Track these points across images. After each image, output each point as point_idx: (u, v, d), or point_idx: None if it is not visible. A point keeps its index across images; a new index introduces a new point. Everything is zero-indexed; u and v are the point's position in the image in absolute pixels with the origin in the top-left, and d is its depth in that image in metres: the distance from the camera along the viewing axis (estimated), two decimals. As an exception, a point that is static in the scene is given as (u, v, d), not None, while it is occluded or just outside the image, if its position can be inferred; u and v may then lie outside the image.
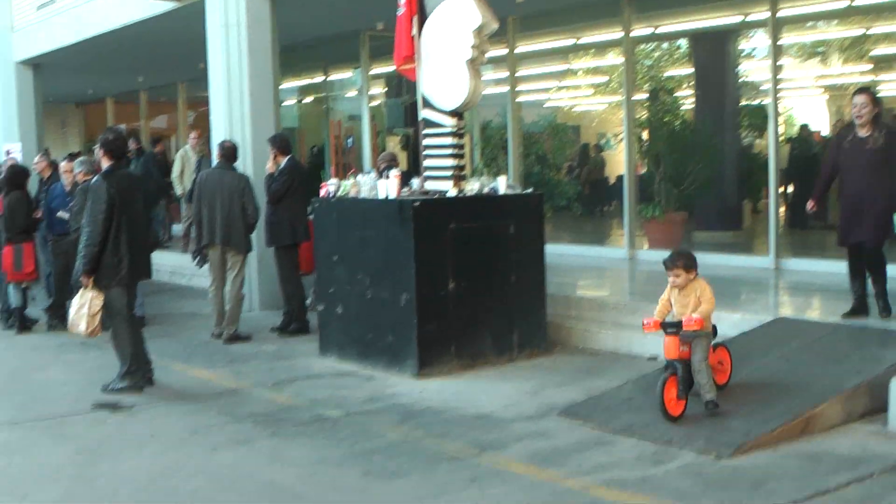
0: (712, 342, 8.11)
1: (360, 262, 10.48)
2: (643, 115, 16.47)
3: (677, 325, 7.82)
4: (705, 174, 15.64)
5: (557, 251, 12.60)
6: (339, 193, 10.99)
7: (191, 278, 16.78)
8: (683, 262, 8.07)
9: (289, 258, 12.52)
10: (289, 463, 7.45)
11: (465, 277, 10.09)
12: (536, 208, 10.95)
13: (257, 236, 12.83)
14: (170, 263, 17.58)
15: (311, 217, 11.84)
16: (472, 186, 10.58)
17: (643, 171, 16.75)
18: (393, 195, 10.30)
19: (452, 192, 10.38)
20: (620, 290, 13.58)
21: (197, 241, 12.64)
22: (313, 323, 11.97)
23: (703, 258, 12.61)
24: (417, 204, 9.91)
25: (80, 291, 9.70)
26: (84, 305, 9.65)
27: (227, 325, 12.31)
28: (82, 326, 9.67)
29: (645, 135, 16.40)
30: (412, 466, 7.21)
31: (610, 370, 9.84)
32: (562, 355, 10.63)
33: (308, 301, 12.62)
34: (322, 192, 11.26)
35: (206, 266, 12.63)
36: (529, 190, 11.75)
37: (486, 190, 10.60)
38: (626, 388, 8.79)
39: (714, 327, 8.15)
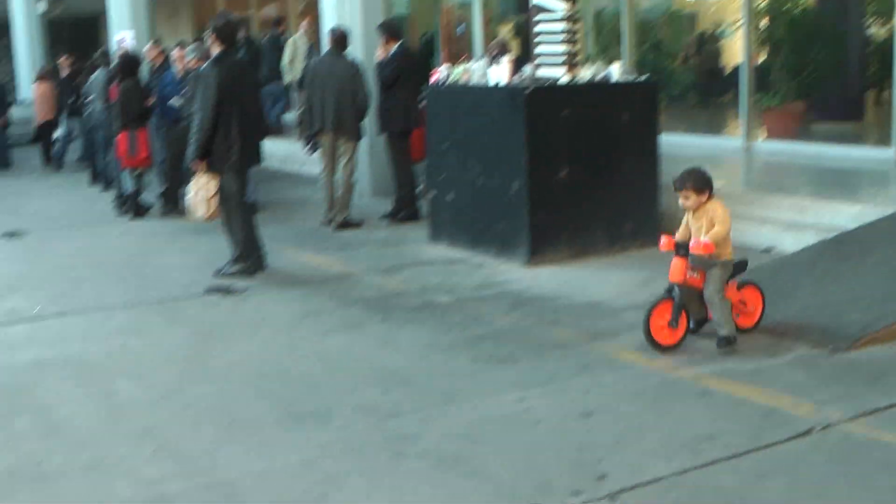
0: (738, 277, 7.35)
1: (471, 149, 10.40)
2: (762, 2, 15.99)
3: (687, 247, 7.10)
4: (826, 63, 15.18)
5: (672, 141, 12.32)
6: (449, 80, 10.89)
7: (302, 165, 16.85)
8: (693, 182, 7.24)
9: (400, 145, 12.48)
10: (399, 347, 7.50)
11: (577, 165, 9.97)
12: (651, 96, 10.72)
13: (369, 123, 12.79)
14: (281, 150, 17.67)
15: (422, 104, 11.77)
16: (585, 73, 10.40)
17: (761, 59, 16.31)
18: (504, 82, 10.17)
19: (565, 78, 10.21)
20: (735, 180, 13.29)
21: (308, 128, 12.66)
22: (424, 210, 11.97)
23: (823, 150, 12.33)
24: (529, 90, 9.78)
25: (195, 177, 9.80)
26: (199, 190, 9.75)
27: (338, 211, 12.36)
28: (200, 211, 9.78)
29: (763, 22, 15.94)
30: (522, 353, 7.21)
31: (723, 261, 9.67)
32: (674, 246, 10.48)
33: (419, 188, 12.60)
34: (433, 79, 11.17)
35: (318, 153, 12.67)
36: (644, 77, 11.51)
37: (599, 77, 10.42)
38: (740, 279, 8.65)
39: (743, 261, 7.35)
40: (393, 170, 12.71)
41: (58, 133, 20.85)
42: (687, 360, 6.92)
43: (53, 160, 20.94)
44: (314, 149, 12.71)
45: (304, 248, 11.23)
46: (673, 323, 7.05)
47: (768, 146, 14.27)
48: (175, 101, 13.39)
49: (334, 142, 12.30)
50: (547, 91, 9.98)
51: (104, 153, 15.76)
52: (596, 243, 10.17)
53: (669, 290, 7.14)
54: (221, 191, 9.74)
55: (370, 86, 12.38)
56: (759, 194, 10.75)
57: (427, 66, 13.42)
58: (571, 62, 10.30)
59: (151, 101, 13.88)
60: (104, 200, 15.24)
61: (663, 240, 7.32)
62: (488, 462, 5.35)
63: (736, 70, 16.09)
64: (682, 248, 7.11)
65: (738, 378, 6.50)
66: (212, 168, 9.65)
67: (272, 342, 7.80)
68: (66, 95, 19.82)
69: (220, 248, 10.36)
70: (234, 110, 9.61)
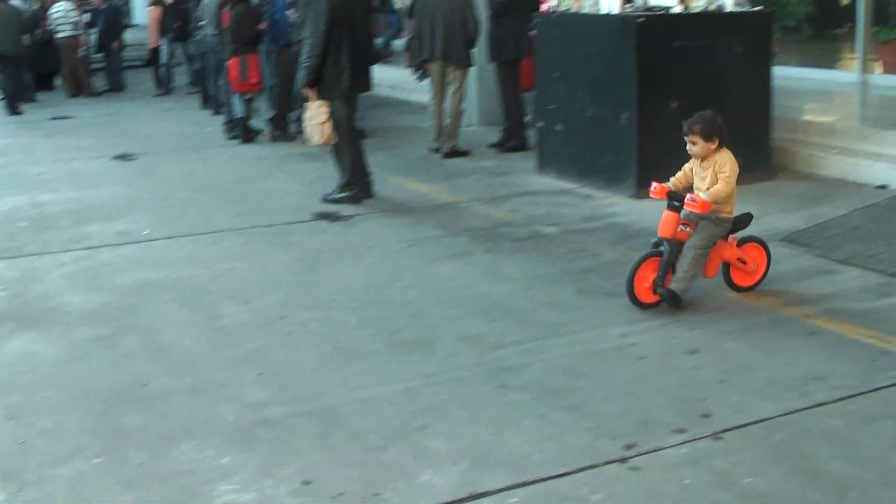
0: (737, 234, 6.83)
1: (580, 79, 10.27)
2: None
3: (682, 200, 6.49)
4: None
5: (785, 73, 12.04)
6: (560, 8, 10.74)
7: (410, 93, 16.83)
8: (702, 127, 6.62)
9: (510, 74, 12.38)
10: (504, 278, 7.47)
11: (688, 97, 9.75)
12: (764, 28, 10.45)
13: (478, 51, 12.69)
14: (391, 77, 17.65)
15: (532, 33, 11.64)
16: (697, 3, 10.16)
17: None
18: (615, 11, 9.99)
19: (677, 8, 10.01)
20: (850, 114, 12.98)
21: (417, 56, 12.60)
22: (531, 140, 11.88)
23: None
24: (641, 20, 9.61)
25: (307, 104, 9.82)
26: (313, 117, 9.78)
27: (446, 139, 12.33)
28: (316, 137, 9.81)
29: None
30: (627, 287, 7.13)
31: (835, 197, 9.45)
32: (785, 181, 10.27)
33: (527, 118, 12.50)
34: (544, 7, 11.03)
35: (427, 81, 12.62)
36: (758, 8, 11.23)
37: (712, 7, 10.18)
38: (852, 217, 8.47)
39: (745, 217, 6.83)
40: (502, 99, 12.63)
41: (163, 58, 21.13)
42: (796, 297, 6.79)
43: (162, 84, 21.20)
44: (423, 76, 12.66)
45: (411, 176, 11.23)
46: (659, 281, 6.56)
47: (884, 80, 13.88)
48: (290, 14, 13.36)
49: (443, 70, 12.24)
50: (659, 20, 9.81)
51: (215, 78, 15.90)
52: (706, 177, 10.00)
53: (657, 245, 6.65)
54: (330, 116, 9.75)
55: (480, 13, 12.26)
56: (873, 130, 10.48)
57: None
58: (685, -9, 10.11)
59: (263, 25, 13.92)
60: (214, 125, 15.40)
61: (654, 186, 6.67)
62: (590, 397, 5.32)
63: (853, 1, 15.64)
64: (675, 200, 6.54)
65: (849, 318, 6.36)
66: (322, 94, 9.66)
67: (377, 269, 7.82)
68: (172, 20, 20.03)
69: (328, 174, 10.41)
70: (345, 36, 9.59)
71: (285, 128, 13.89)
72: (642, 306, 6.59)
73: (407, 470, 4.60)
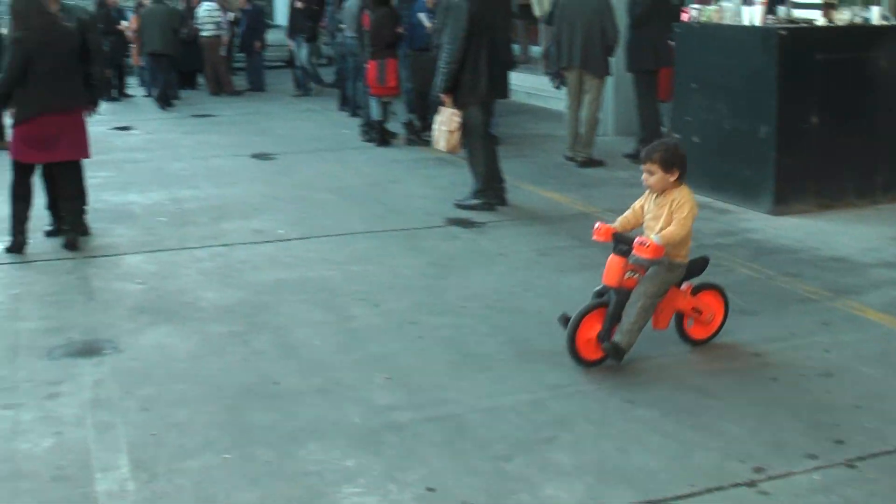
0: (692, 280, 6.15)
1: (719, 92, 10.12)
2: None
3: (630, 243, 5.77)
4: None
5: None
6: (701, 19, 10.61)
7: (547, 100, 16.79)
8: (662, 155, 5.86)
9: (648, 84, 12.28)
10: (634, 291, 7.39)
11: (829, 112, 9.61)
12: (914, 42, 10.22)
13: (616, 60, 12.61)
14: (527, 84, 17.64)
15: (672, 42, 11.52)
16: (842, 16, 9.95)
17: None
18: (757, 23, 9.83)
19: (821, 20, 9.82)
20: None
21: (554, 63, 12.57)
22: (668, 152, 11.75)
23: None
24: (783, 32, 9.44)
25: (441, 109, 9.86)
26: (443, 123, 9.81)
27: (581, 148, 12.28)
28: (442, 143, 9.85)
29: None
30: (762, 304, 7.01)
31: None
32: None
33: (663, 129, 12.38)
34: (684, 17, 10.91)
35: (563, 88, 12.57)
36: (907, 21, 10.97)
37: (857, 20, 9.97)
38: None
39: (701, 260, 6.17)
40: (638, 109, 12.53)
41: (298, 60, 21.45)
42: (937, 323, 6.62)
43: (300, 85, 21.51)
44: (560, 84, 12.63)
45: (544, 184, 11.20)
46: (604, 336, 5.83)
47: None
48: (424, 19, 13.47)
49: (580, 78, 12.18)
50: (802, 33, 9.63)
51: (354, 80, 16.05)
52: (844, 195, 9.82)
53: (601, 294, 5.95)
54: (466, 122, 9.78)
55: (620, 22, 12.17)
56: None
57: (679, 4, 13.11)
58: (828, 4, 9.90)
59: (401, 29, 14.02)
60: (351, 126, 15.55)
61: (598, 226, 5.99)
62: (720, 417, 5.23)
63: None
64: (622, 243, 5.83)
65: None
66: (458, 100, 9.69)
67: (508, 277, 7.81)
68: (304, 20, 20.38)
69: (462, 179, 10.44)
70: (484, 42, 9.61)
71: (420, 132, 13.96)
72: (586, 364, 5.88)
73: (532, 481, 4.59)
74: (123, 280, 8.00)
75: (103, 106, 10.12)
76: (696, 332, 6.27)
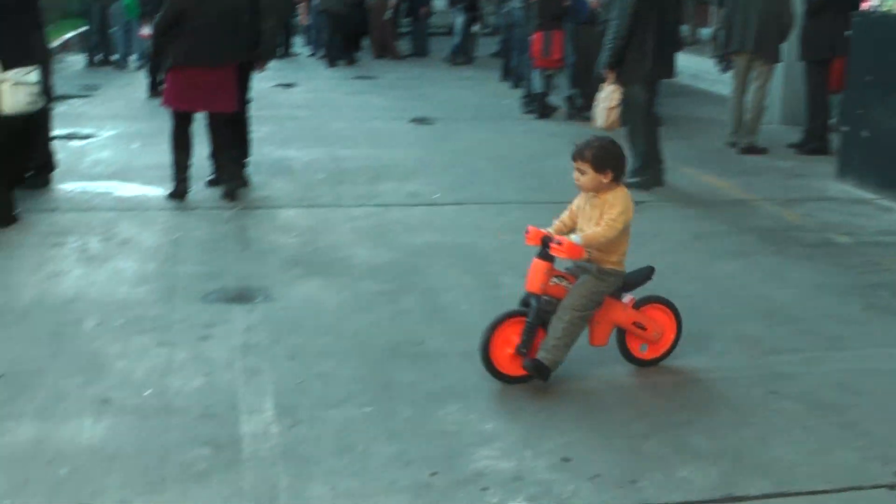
0: (632, 293, 5.63)
1: (895, 85, 9.84)
2: None
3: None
4: None
5: None
6: (882, 9, 10.31)
7: (713, 84, 16.54)
8: (593, 153, 5.28)
9: (819, 73, 11.97)
10: (788, 283, 7.27)
11: None
12: None
13: (788, 46, 12.33)
14: (693, 66, 17.40)
15: (848, 32, 11.23)
16: None
17: None
18: (942, 17, 9.53)
19: None
20: None
21: (724, 46, 12.35)
22: (834, 144, 11.49)
23: None
24: (968, 30, 9.15)
25: (603, 85, 9.79)
26: (604, 99, 9.75)
27: (744, 135, 12.06)
28: (600, 120, 9.79)
29: None
30: (919, 307, 6.84)
31: None
32: None
33: (832, 121, 12.09)
34: (864, 6, 10.61)
35: (730, 73, 12.36)
36: None
37: None
38: None
39: (644, 271, 5.66)
40: (807, 99, 12.23)
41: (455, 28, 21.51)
42: None
43: (459, 52, 21.56)
44: (727, 68, 12.41)
45: (704, 168, 11.05)
46: (522, 348, 5.30)
47: None
48: None
49: (749, 63, 11.94)
50: None
51: (518, 51, 16.03)
52: None
53: (526, 303, 5.43)
54: (629, 101, 9.70)
55: (796, 8, 11.90)
56: None
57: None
58: None
59: (568, 2, 13.93)
60: (512, 97, 15.55)
61: (529, 230, 5.47)
62: (865, 416, 5.11)
63: None
64: (547, 247, 5.35)
65: None
66: (622, 78, 9.61)
67: (660, 259, 7.64)
68: None
69: (620, 157, 10.35)
70: (652, 20, 9.50)
71: (582, 109, 13.89)
72: (506, 380, 5.35)
73: (666, 462, 4.56)
74: (279, 232, 8.18)
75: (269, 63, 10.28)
76: (646, 351, 5.73)
